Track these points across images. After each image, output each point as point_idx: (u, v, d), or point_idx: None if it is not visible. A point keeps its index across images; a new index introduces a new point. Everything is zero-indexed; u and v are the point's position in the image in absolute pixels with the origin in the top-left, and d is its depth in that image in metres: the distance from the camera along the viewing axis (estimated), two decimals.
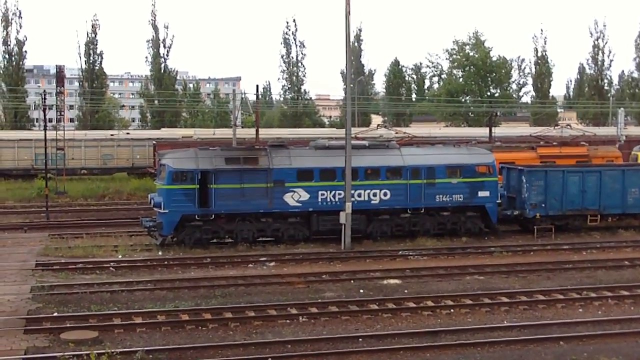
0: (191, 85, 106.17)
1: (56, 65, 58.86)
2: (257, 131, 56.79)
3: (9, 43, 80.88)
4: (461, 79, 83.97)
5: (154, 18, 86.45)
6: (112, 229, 35.80)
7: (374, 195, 32.12)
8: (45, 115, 45.29)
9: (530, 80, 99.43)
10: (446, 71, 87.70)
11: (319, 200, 31.53)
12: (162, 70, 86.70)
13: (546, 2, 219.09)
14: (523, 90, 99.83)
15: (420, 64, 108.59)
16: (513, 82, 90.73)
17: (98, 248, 30.51)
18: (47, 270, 26.81)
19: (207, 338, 19.05)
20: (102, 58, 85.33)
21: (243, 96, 73.01)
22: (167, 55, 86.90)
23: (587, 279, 25.86)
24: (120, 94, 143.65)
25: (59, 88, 56.03)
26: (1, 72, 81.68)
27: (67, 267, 27.25)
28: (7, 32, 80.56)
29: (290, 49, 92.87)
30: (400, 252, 30.08)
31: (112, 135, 63.02)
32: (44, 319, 20.31)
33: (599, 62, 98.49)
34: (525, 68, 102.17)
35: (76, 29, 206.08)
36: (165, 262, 28.17)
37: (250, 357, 17.35)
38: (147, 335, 19.24)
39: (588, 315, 21.42)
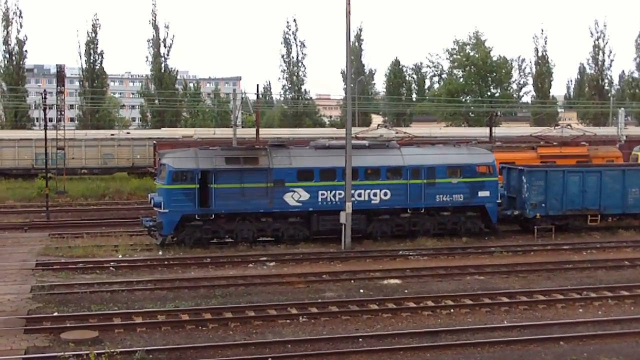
0: (191, 85, 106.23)
1: (56, 65, 58.76)
2: (257, 131, 56.76)
3: (9, 42, 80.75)
4: (461, 79, 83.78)
5: (155, 18, 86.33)
6: (112, 229, 35.78)
7: (374, 195, 32.11)
8: (45, 115, 45.26)
9: (530, 80, 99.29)
10: (446, 71, 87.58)
11: (319, 200, 31.52)
12: (163, 70, 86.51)
13: (546, 2, 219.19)
14: (523, 90, 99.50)
15: (421, 63, 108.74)
16: (513, 82, 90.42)
17: (98, 248, 30.52)
18: (47, 270, 26.83)
19: (207, 338, 19.05)
20: (102, 57, 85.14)
21: (243, 96, 73.01)
22: (168, 55, 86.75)
23: (587, 279, 25.88)
24: (120, 93, 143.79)
25: (59, 87, 55.95)
26: (2, 71, 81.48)
27: (67, 267, 27.26)
28: (7, 32, 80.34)
29: (291, 48, 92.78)
30: (401, 252, 30.09)
31: (112, 135, 63.00)
32: (44, 318, 20.32)
33: (600, 62, 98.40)
34: (525, 68, 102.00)
35: (77, 28, 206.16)
36: (166, 262, 28.17)
37: (250, 357, 17.35)
38: (147, 335, 19.24)
39: (588, 316, 21.42)
